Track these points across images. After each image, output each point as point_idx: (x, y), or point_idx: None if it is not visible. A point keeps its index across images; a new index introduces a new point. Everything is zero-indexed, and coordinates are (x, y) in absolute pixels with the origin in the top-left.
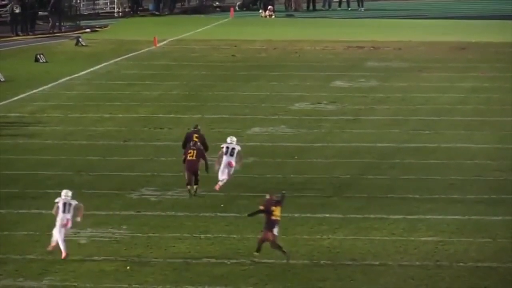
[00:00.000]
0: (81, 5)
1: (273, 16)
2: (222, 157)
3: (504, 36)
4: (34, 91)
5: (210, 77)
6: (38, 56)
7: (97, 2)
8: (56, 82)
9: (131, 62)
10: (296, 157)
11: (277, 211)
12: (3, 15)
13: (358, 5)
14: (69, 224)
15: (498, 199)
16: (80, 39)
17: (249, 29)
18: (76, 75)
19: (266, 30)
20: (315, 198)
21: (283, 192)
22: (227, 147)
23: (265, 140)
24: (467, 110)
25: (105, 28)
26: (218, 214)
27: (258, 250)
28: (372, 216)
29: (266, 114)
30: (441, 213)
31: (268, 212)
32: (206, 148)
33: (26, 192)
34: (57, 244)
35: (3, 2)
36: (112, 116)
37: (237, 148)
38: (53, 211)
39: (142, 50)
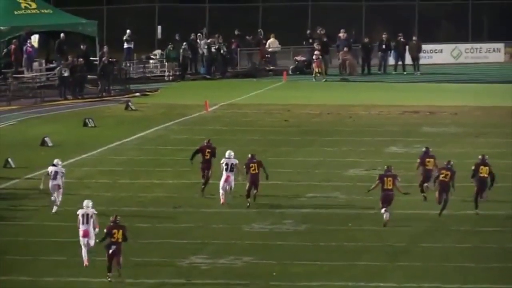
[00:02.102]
0: (131, 69)
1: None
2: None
3: None
4: (83, 156)
5: (262, 142)
6: (87, 121)
7: (147, 65)
8: (105, 147)
9: (182, 127)
10: (350, 224)
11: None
12: (51, 79)
13: (414, 69)
14: (90, 235)
15: None
16: (129, 103)
17: (302, 93)
18: (125, 140)
19: (319, 94)
20: (369, 266)
21: None
22: (227, 164)
23: (318, 207)
24: None
25: (155, 92)
26: (271, 282)
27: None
28: (426, 285)
29: (320, 181)
30: (497, 282)
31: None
32: (214, 156)
33: (73, 260)
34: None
35: (52, 65)
36: (162, 182)
37: (235, 162)
38: (77, 224)
39: (193, 115)
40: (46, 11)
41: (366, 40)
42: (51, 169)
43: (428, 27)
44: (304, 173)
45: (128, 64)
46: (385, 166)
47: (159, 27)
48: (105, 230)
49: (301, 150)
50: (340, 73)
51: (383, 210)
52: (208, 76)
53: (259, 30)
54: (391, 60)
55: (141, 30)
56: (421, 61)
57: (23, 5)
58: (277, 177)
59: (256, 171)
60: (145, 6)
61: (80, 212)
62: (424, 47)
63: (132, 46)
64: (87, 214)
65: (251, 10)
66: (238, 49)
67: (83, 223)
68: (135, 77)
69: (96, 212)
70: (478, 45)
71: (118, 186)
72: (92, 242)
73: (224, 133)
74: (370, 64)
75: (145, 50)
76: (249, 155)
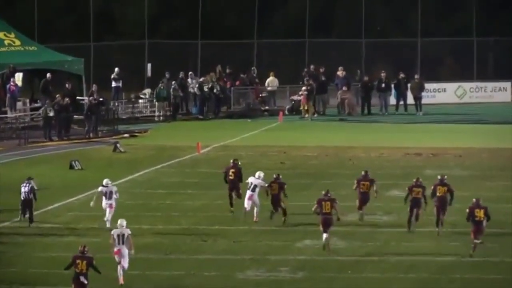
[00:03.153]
0: (119, 109)
1: (315, 115)
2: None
3: None
4: (69, 200)
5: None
6: (73, 163)
7: (136, 105)
8: (93, 191)
9: (173, 170)
10: (349, 271)
11: None
12: (35, 119)
13: (416, 109)
14: (124, 256)
15: None
16: (118, 145)
17: (299, 134)
18: (113, 183)
19: (317, 135)
20: None
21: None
22: (251, 183)
23: (316, 254)
24: None
25: (145, 133)
26: None
27: None
28: None
29: (318, 225)
30: None
31: None
32: (240, 179)
33: None
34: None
35: (36, 105)
36: (152, 227)
37: (260, 184)
38: (110, 241)
39: (185, 157)
40: (30, 48)
41: (366, 78)
42: (103, 189)
43: (431, 65)
44: (301, 218)
45: (116, 104)
46: (323, 191)
47: (149, 65)
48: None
49: (298, 194)
50: (338, 113)
51: (324, 235)
52: (200, 116)
53: (252, 68)
54: (392, 100)
55: (130, 68)
56: (424, 101)
57: (6, 42)
58: (273, 221)
59: (276, 191)
60: (134, 42)
61: (115, 232)
62: (427, 86)
63: (120, 84)
64: (123, 235)
65: (245, 47)
66: (232, 88)
67: (118, 243)
68: (124, 117)
69: (130, 233)
70: (483, 84)
71: (107, 232)
72: (126, 265)
73: (218, 176)
74: (371, 103)
75: (134, 89)
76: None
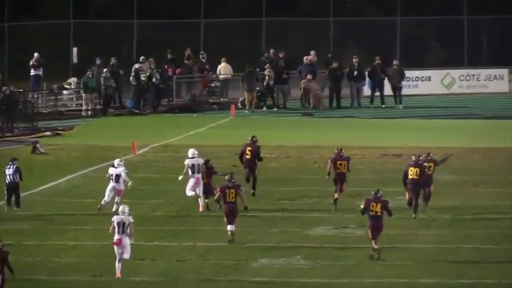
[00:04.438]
0: (39, 101)
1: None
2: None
3: None
4: None
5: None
6: None
7: (60, 97)
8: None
9: (103, 175)
10: None
11: None
12: None
13: (395, 102)
14: (125, 246)
15: None
16: (37, 145)
17: (255, 132)
18: (32, 191)
19: (277, 133)
20: None
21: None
22: (193, 164)
23: (275, 275)
24: None
25: (70, 131)
26: None
27: None
28: None
29: (277, 242)
30: None
31: None
32: (259, 158)
33: None
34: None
35: None
36: (78, 243)
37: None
38: (110, 230)
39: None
40: None
41: (335, 64)
42: (112, 171)
43: (413, 49)
44: (257, 233)
45: (36, 96)
46: (227, 176)
47: (75, 49)
48: None
49: (254, 203)
50: (302, 107)
51: (229, 227)
52: (136, 111)
53: (201, 53)
54: (367, 90)
55: (52, 53)
56: (404, 91)
57: None
58: (223, 237)
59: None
60: (57, 23)
61: (115, 219)
62: (408, 73)
63: (40, 73)
64: (123, 223)
65: (190, 28)
66: (174, 76)
67: (118, 232)
68: (45, 111)
69: (132, 221)
70: (475, 71)
71: (24, 249)
72: (127, 255)
73: (157, 182)
74: (340, 95)
75: (57, 78)
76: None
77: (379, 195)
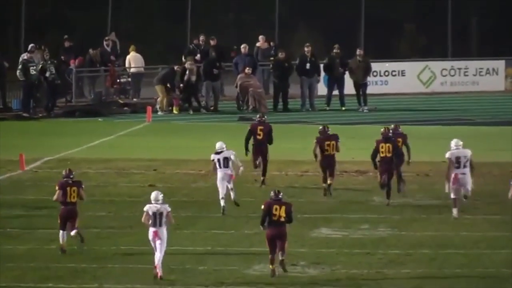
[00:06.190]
0: None
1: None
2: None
3: None
4: None
5: (114, 221)
6: None
7: None
8: None
9: None
10: None
11: None
12: None
13: (359, 103)
14: (163, 238)
15: None
16: None
17: (178, 141)
18: None
19: (206, 144)
20: None
21: None
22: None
23: None
24: None
25: None
26: None
27: None
28: None
29: (207, 284)
30: None
31: None
32: (270, 141)
33: None
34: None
35: None
36: None
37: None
38: (143, 220)
39: (1, 177)
40: None
41: (281, 55)
42: (216, 157)
43: (382, 35)
44: (180, 270)
45: None
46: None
47: None
48: None
49: (177, 234)
50: (238, 109)
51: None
52: (25, 114)
53: (106, 38)
54: (322, 88)
55: None
56: (370, 90)
57: None
58: (137, 278)
59: None
60: None
61: (149, 209)
62: (375, 66)
63: None
64: (160, 213)
65: (94, 7)
66: (74, 70)
67: (154, 225)
68: None
69: (170, 210)
70: (462, 63)
71: None
72: (162, 251)
73: (51, 207)
74: (288, 94)
75: None
76: None
77: (280, 196)
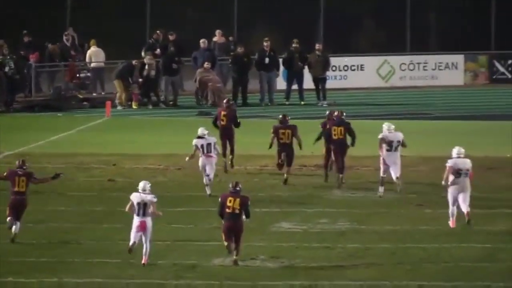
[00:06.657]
0: None
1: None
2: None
3: None
4: None
5: (73, 217)
6: None
7: None
8: None
9: None
10: None
11: None
12: None
13: (318, 98)
14: (148, 229)
15: None
16: None
17: (138, 136)
18: None
19: (165, 139)
20: None
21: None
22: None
23: None
24: (496, 271)
25: None
26: None
27: None
28: None
29: (166, 278)
30: None
31: None
32: (235, 124)
33: None
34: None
35: None
36: None
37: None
38: (127, 209)
39: None
40: None
41: (240, 49)
42: (200, 142)
43: (341, 29)
44: (139, 265)
45: None
46: (17, 162)
47: None
48: None
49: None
50: (198, 104)
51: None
52: None
53: (66, 33)
54: (281, 83)
55: None
56: (329, 84)
57: None
58: (100, 273)
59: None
60: None
61: (135, 198)
62: (335, 61)
63: None
64: (144, 204)
65: (53, 3)
66: (34, 65)
67: (138, 214)
68: None
69: (155, 200)
70: (421, 58)
71: None
72: (148, 239)
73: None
74: (247, 88)
75: None
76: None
77: (238, 188)
